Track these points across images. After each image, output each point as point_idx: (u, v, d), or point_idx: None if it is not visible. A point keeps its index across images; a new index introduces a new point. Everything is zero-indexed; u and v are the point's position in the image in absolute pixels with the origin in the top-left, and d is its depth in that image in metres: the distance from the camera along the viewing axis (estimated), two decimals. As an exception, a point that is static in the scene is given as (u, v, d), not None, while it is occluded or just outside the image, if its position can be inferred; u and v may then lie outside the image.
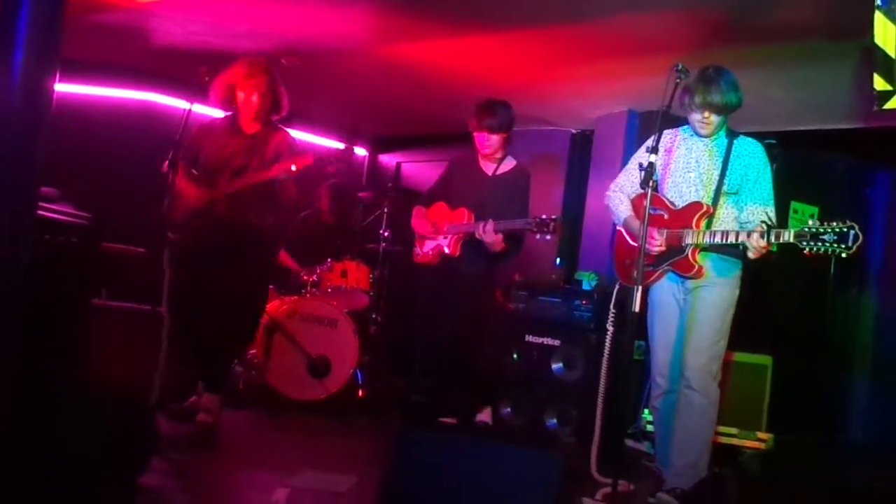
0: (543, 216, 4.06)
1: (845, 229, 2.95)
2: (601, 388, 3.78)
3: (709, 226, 3.40)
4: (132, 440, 2.85)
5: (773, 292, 5.28)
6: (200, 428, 3.98)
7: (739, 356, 4.56)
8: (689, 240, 3.36)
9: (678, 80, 3.25)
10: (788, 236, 3.08)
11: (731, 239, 3.25)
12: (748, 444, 4.45)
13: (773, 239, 3.13)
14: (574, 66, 5.19)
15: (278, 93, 4.27)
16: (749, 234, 3.18)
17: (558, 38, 4.74)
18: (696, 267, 3.40)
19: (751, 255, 3.22)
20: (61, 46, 2.28)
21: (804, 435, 5.18)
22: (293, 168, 3.98)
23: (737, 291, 3.50)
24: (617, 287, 3.75)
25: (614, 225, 3.84)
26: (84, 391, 2.99)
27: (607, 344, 3.77)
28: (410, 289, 5.00)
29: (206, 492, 2.97)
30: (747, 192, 3.45)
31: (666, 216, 3.50)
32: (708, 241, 3.33)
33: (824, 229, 2.98)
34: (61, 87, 2.33)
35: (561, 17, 4.39)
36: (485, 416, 4.64)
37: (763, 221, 3.18)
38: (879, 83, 3.20)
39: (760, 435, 4.45)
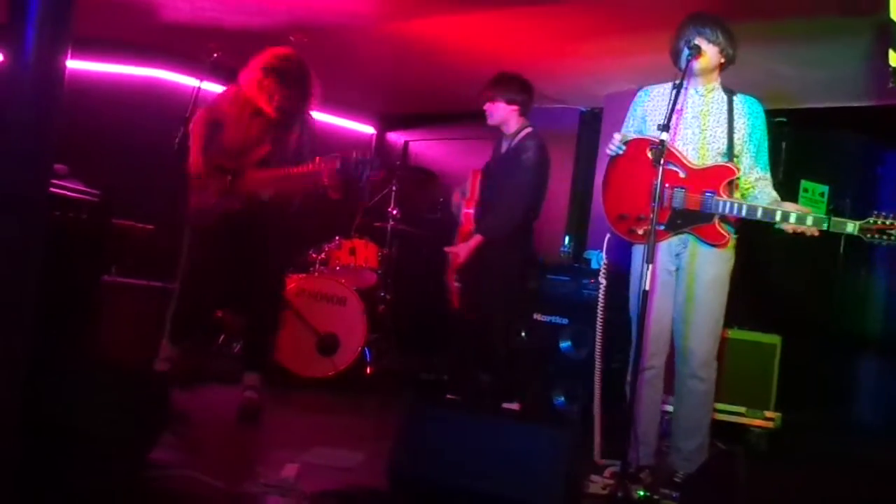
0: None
1: None
2: (597, 358, 3.58)
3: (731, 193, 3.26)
4: (142, 415, 2.87)
5: (782, 271, 5.28)
6: (247, 404, 4.00)
7: (748, 335, 4.56)
8: (722, 210, 3.18)
9: (690, 58, 3.21)
10: (853, 228, 3.01)
11: (778, 218, 3.11)
12: (756, 422, 4.46)
13: (832, 228, 3.05)
14: (583, 43, 5.16)
15: (307, 91, 4.15)
16: (797, 218, 3.08)
17: (567, 14, 4.70)
18: (727, 235, 3.24)
19: (787, 230, 3.15)
20: (74, 24, 2.27)
21: (812, 414, 5.19)
22: (323, 177, 3.99)
23: (733, 261, 3.37)
24: (608, 237, 3.49)
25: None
26: (94, 366, 3.01)
27: (600, 300, 3.54)
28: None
29: (216, 467, 2.99)
30: (750, 155, 3.33)
31: (682, 174, 3.27)
32: (744, 214, 3.17)
33: (891, 222, 2.97)
34: (68, 64, 2.32)
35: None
36: (513, 406, 4.57)
37: (831, 210, 3.16)
38: (895, 59, 3.17)
39: (768, 414, 4.46)
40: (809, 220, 3.09)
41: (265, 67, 4.00)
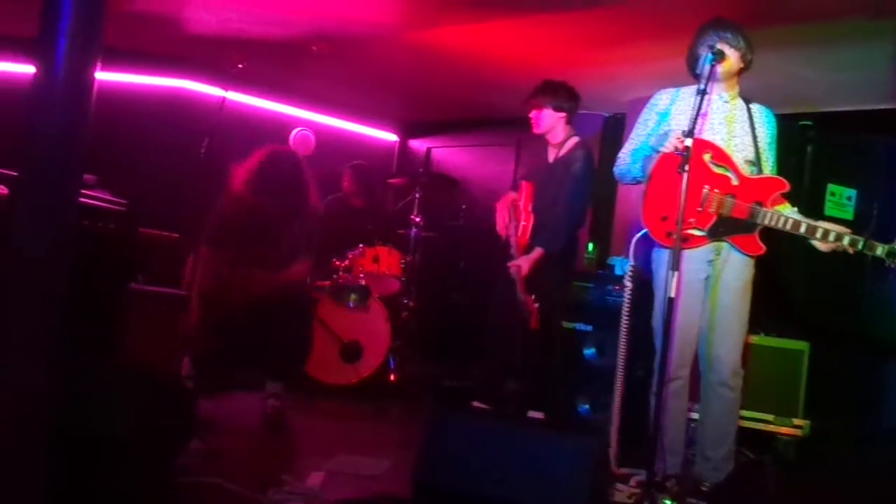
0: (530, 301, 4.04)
1: None
2: (619, 362, 3.51)
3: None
4: (169, 422, 2.89)
5: (809, 277, 5.21)
6: (270, 412, 4.03)
7: (776, 341, 4.51)
8: (769, 221, 3.15)
9: (713, 63, 3.18)
10: (882, 252, 3.01)
11: (819, 235, 3.10)
12: (784, 430, 4.41)
13: (866, 250, 3.04)
14: (606, 49, 5.15)
15: (299, 190, 4.19)
16: (836, 237, 3.08)
17: (590, 20, 4.69)
18: (764, 248, 3.22)
19: (821, 248, 3.15)
20: (104, 36, 2.30)
21: (841, 421, 5.12)
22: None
23: (754, 268, 3.34)
24: (635, 241, 3.43)
25: (635, 181, 3.47)
26: (121, 374, 3.03)
27: (625, 304, 3.49)
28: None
29: (241, 475, 3.01)
30: (768, 165, 3.33)
31: (735, 181, 3.22)
32: (788, 228, 3.14)
33: None
34: (96, 76, 2.35)
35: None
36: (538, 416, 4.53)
37: (868, 232, 3.12)
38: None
39: (797, 421, 4.40)
40: (846, 240, 3.08)
41: (254, 172, 4.04)
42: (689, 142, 2.99)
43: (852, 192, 5.37)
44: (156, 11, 5.21)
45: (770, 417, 4.41)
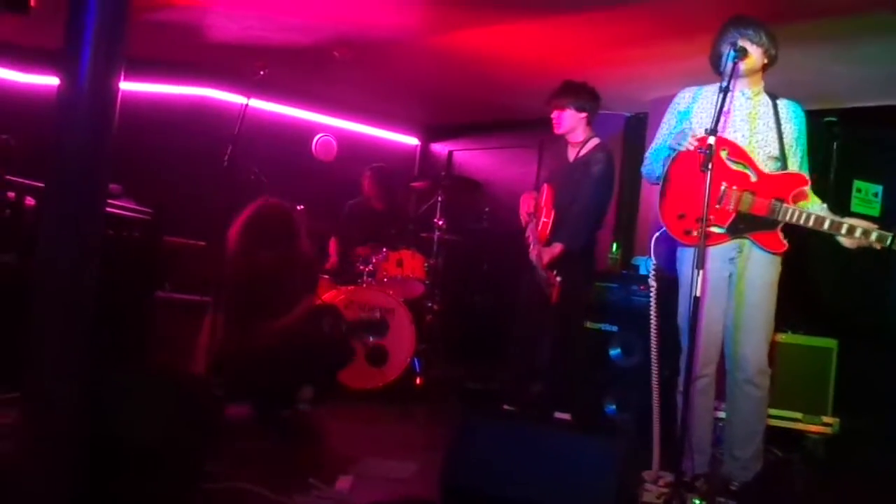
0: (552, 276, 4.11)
1: None
2: (653, 366, 3.45)
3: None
4: (198, 427, 2.91)
5: (837, 275, 5.16)
6: (299, 417, 4.09)
7: (804, 339, 4.47)
8: (790, 218, 3.12)
9: (736, 61, 3.16)
10: None
11: (844, 231, 3.06)
12: (813, 428, 4.37)
13: (895, 246, 3.00)
14: (628, 49, 5.13)
15: (287, 241, 4.28)
16: (863, 232, 3.04)
17: (611, 20, 4.68)
18: (786, 245, 3.19)
19: (847, 244, 3.11)
20: (127, 47, 2.33)
21: (871, 419, 5.06)
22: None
23: (780, 265, 3.30)
24: (654, 238, 3.41)
25: (658, 180, 3.41)
26: (150, 380, 3.06)
27: (652, 305, 3.45)
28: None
29: (269, 479, 3.02)
30: (796, 161, 3.29)
31: (754, 178, 3.21)
32: (811, 224, 3.11)
33: None
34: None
35: (614, -1, 4.34)
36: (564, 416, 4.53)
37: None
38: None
39: (826, 419, 4.36)
40: (874, 236, 3.03)
41: (243, 228, 4.11)
42: (711, 139, 2.97)
43: (879, 188, 5.31)
44: (177, 20, 5.26)
45: (799, 416, 4.37)
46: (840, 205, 4.77)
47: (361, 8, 4.79)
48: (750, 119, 3.31)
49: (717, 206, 3.21)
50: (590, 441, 2.60)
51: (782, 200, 3.16)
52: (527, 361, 4.58)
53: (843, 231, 3.08)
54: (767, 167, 3.26)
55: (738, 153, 3.25)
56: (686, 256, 3.35)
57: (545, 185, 4.49)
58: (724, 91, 3.06)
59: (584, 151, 4.41)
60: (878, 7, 4.00)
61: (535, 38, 5.13)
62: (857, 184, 5.29)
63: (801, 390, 4.38)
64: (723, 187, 3.21)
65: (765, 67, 3.32)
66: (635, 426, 4.35)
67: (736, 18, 3.29)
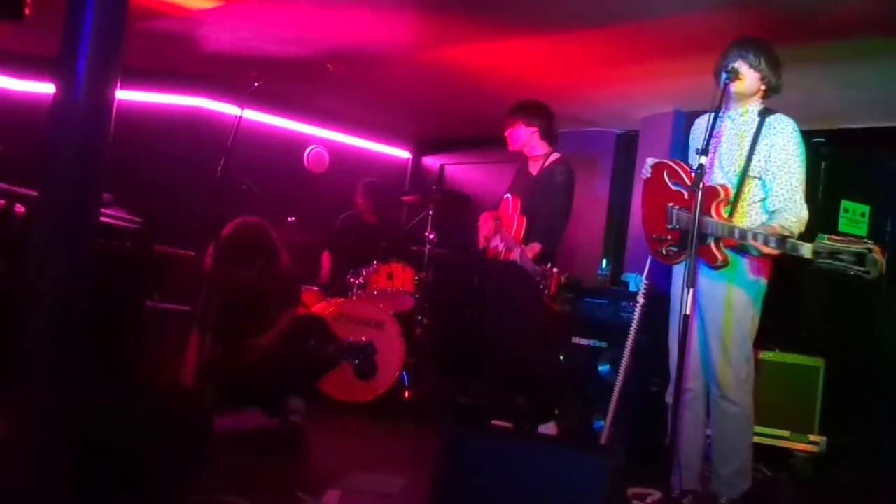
0: (547, 268, 4.24)
1: (862, 250, 2.68)
2: (622, 370, 3.61)
3: (731, 213, 3.21)
4: (186, 439, 2.90)
5: (823, 293, 5.19)
6: (290, 428, 4.07)
7: (790, 357, 4.50)
8: (712, 230, 3.11)
9: (727, 82, 3.19)
10: (805, 251, 2.82)
11: (736, 235, 3.04)
12: (800, 446, 4.39)
13: (788, 250, 2.90)
14: (619, 67, 5.17)
15: (267, 258, 4.29)
16: (758, 238, 2.97)
17: (602, 38, 4.72)
18: (721, 257, 3.15)
19: (753, 253, 3.08)
20: (123, 57, 2.34)
21: (857, 438, 5.09)
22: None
23: (763, 283, 3.28)
24: (649, 260, 3.60)
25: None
26: (138, 391, 3.05)
27: (635, 318, 3.61)
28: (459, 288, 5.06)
29: (257, 492, 3.01)
30: (772, 175, 3.21)
31: (686, 195, 3.23)
32: (718, 233, 3.10)
33: (842, 248, 2.72)
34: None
35: (605, 17, 4.37)
36: (549, 429, 4.58)
37: (782, 227, 3.01)
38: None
39: (812, 437, 4.39)
40: (772, 243, 2.96)
41: (220, 247, 4.03)
42: (703, 159, 3.01)
43: (866, 209, 5.36)
44: (172, 30, 5.27)
45: (786, 434, 4.39)
46: (828, 224, 4.81)
47: (355, 22, 4.81)
48: (730, 138, 3.33)
49: (669, 227, 3.29)
50: (580, 458, 2.60)
51: (705, 214, 3.10)
52: (503, 372, 4.73)
53: (749, 238, 3.01)
54: (740, 185, 3.23)
55: (674, 174, 3.33)
56: (676, 274, 3.44)
57: (508, 197, 4.73)
58: (715, 112, 3.10)
59: (547, 163, 4.65)
60: (867, 31, 4.05)
61: (528, 55, 5.16)
62: (844, 204, 5.33)
63: (788, 408, 4.41)
64: (668, 207, 3.29)
65: (763, 93, 3.31)
66: (624, 442, 4.37)
67: (742, 39, 3.29)
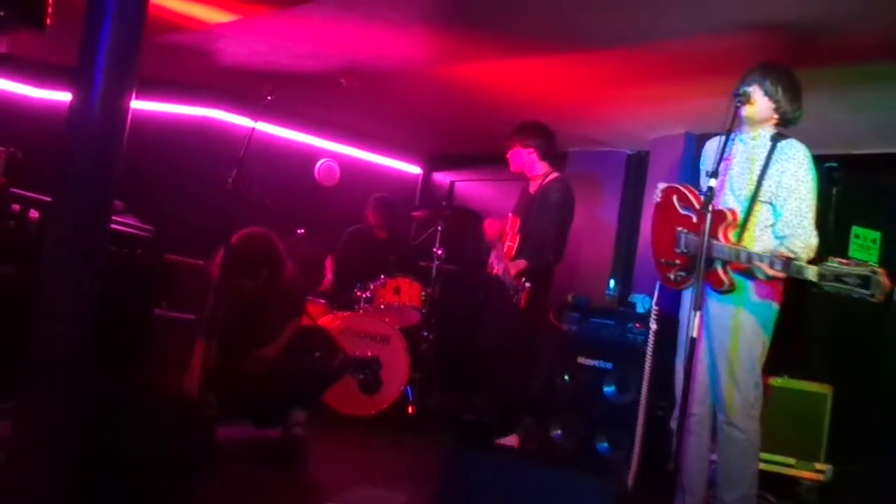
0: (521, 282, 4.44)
1: (867, 273, 2.65)
2: (643, 398, 3.58)
3: (738, 237, 3.18)
4: (190, 448, 2.91)
5: (831, 320, 5.17)
6: (291, 440, 4.08)
7: (798, 384, 4.46)
8: (717, 254, 3.08)
9: (738, 105, 3.19)
10: (810, 274, 2.80)
11: (743, 259, 3.01)
12: (806, 474, 4.35)
13: (793, 273, 2.88)
14: (630, 88, 5.18)
15: (271, 268, 4.29)
16: (763, 260, 2.95)
17: (614, 59, 4.73)
18: (727, 282, 3.13)
19: (760, 276, 3.03)
20: (139, 69, 2.37)
21: (863, 466, 5.05)
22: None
23: (775, 308, 3.26)
24: (658, 284, 3.62)
25: None
26: (145, 399, 3.06)
27: (650, 344, 3.61)
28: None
29: (259, 504, 3.02)
30: (782, 200, 3.20)
31: (695, 219, 3.22)
32: (725, 257, 3.08)
33: (847, 271, 2.69)
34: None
35: (617, 39, 4.39)
36: (510, 440, 4.63)
37: (787, 248, 3.03)
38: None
39: (819, 465, 4.35)
40: (778, 266, 2.93)
41: (226, 257, 4.07)
42: (713, 182, 3.01)
43: (877, 235, 5.33)
44: (188, 43, 5.31)
45: (792, 461, 4.35)
46: (838, 250, 4.79)
47: (369, 38, 4.84)
48: (740, 162, 3.32)
49: (677, 251, 3.28)
50: (583, 479, 2.59)
51: (712, 238, 3.07)
52: (499, 387, 4.80)
53: (755, 261, 2.99)
54: (750, 210, 3.22)
55: (684, 198, 3.32)
56: (685, 297, 3.42)
57: (510, 215, 4.87)
58: (726, 135, 3.10)
59: (545, 182, 4.77)
60: (879, 56, 4.05)
61: (540, 74, 5.19)
62: (855, 230, 5.31)
63: (795, 436, 4.36)
64: (678, 231, 3.28)
65: (776, 122, 3.30)
66: (627, 464, 4.35)
67: (764, 64, 3.28)
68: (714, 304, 3.26)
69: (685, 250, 3.26)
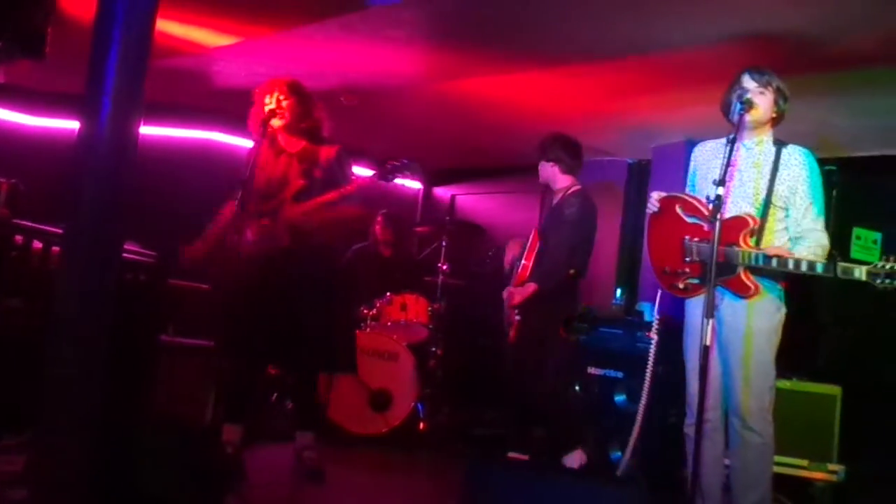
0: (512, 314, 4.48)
1: None
2: (641, 406, 3.60)
3: (757, 243, 3.20)
4: (203, 474, 2.89)
5: (840, 321, 5.17)
6: (310, 465, 4.00)
7: (807, 386, 4.46)
8: (742, 260, 3.12)
9: (741, 113, 3.20)
10: (860, 274, 2.87)
11: (792, 266, 3.03)
12: (819, 475, 4.34)
13: (839, 273, 2.92)
14: (631, 97, 5.20)
15: (304, 98, 4.13)
16: (801, 266, 3.00)
17: (614, 69, 4.75)
18: (753, 287, 3.16)
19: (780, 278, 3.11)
20: (145, 94, 2.37)
21: (876, 466, 5.04)
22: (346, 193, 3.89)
23: (784, 311, 3.29)
24: (660, 293, 3.61)
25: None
26: (154, 427, 3.05)
27: (651, 356, 3.62)
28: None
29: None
30: (796, 205, 3.25)
31: (706, 227, 3.23)
32: (762, 262, 3.10)
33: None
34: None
35: (617, 49, 4.41)
36: (573, 460, 4.53)
37: (805, 250, 3.08)
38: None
39: (831, 466, 4.34)
40: (819, 268, 3.00)
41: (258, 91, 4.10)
42: (720, 190, 3.01)
43: (878, 236, 5.35)
44: (188, 66, 5.32)
45: (804, 463, 4.34)
46: (840, 252, 4.79)
47: (368, 56, 4.86)
48: (746, 169, 3.32)
49: (686, 260, 3.29)
50: (602, 492, 2.58)
51: (734, 244, 3.14)
52: (522, 404, 4.76)
53: (790, 266, 3.04)
54: (765, 215, 3.24)
55: (690, 207, 3.33)
56: (690, 305, 3.41)
57: (534, 231, 4.80)
58: (731, 142, 3.11)
59: (563, 197, 4.71)
60: (878, 62, 4.08)
61: (539, 86, 5.20)
62: (856, 231, 5.33)
63: (806, 437, 4.36)
64: (685, 241, 3.29)
65: (774, 120, 3.34)
66: (642, 472, 4.33)
67: (750, 69, 3.31)
68: (727, 309, 3.27)
69: (697, 259, 3.26)
